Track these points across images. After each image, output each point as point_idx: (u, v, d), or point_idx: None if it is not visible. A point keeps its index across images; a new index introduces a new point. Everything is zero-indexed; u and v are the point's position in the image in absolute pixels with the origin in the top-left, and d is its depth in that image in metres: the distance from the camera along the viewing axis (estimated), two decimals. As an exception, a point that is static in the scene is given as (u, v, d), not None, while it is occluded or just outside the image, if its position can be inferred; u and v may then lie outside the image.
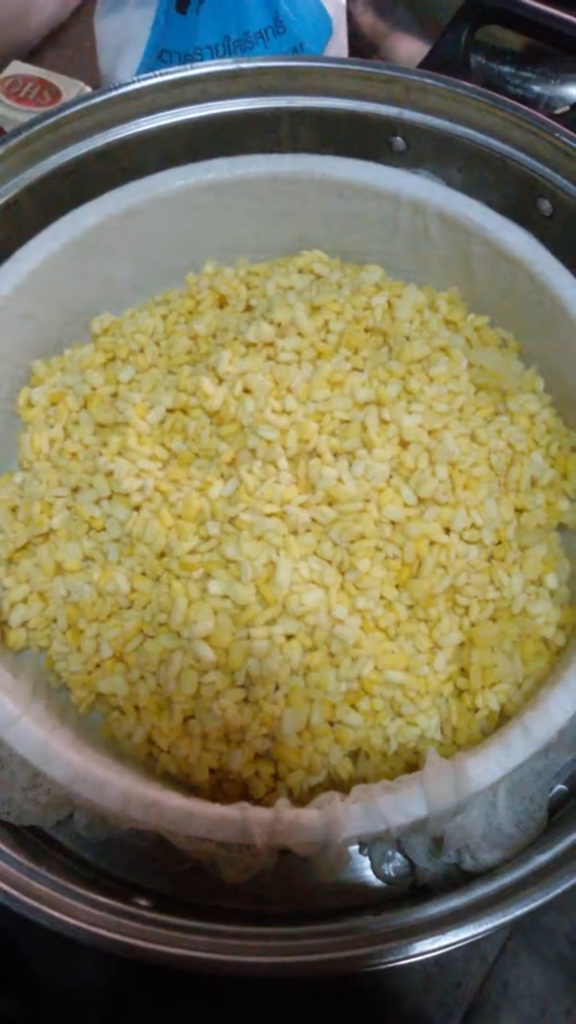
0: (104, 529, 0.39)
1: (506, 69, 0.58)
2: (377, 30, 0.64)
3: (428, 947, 0.28)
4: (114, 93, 0.44)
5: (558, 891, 0.30)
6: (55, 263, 0.44)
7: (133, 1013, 0.30)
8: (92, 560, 0.39)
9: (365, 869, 0.35)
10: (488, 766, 0.32)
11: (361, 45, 0.65)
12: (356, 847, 0.35)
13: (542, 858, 0.31)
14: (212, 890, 0.32)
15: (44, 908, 0.29)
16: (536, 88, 0.58)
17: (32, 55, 0.73)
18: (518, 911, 0.29)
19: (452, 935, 0.29)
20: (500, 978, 0.34)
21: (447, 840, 0.32)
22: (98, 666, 0.37)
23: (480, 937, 0.29)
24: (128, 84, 0.45)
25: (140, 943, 0.28)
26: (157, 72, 0.45)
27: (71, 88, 0.61)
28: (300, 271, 0.48)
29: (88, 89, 0.61)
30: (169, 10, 0.53)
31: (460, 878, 0.32)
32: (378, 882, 0.34)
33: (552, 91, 0.58)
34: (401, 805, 0.31)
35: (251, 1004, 0.33)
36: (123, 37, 0.55)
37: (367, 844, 0.35)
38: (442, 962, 0.34)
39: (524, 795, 0.34)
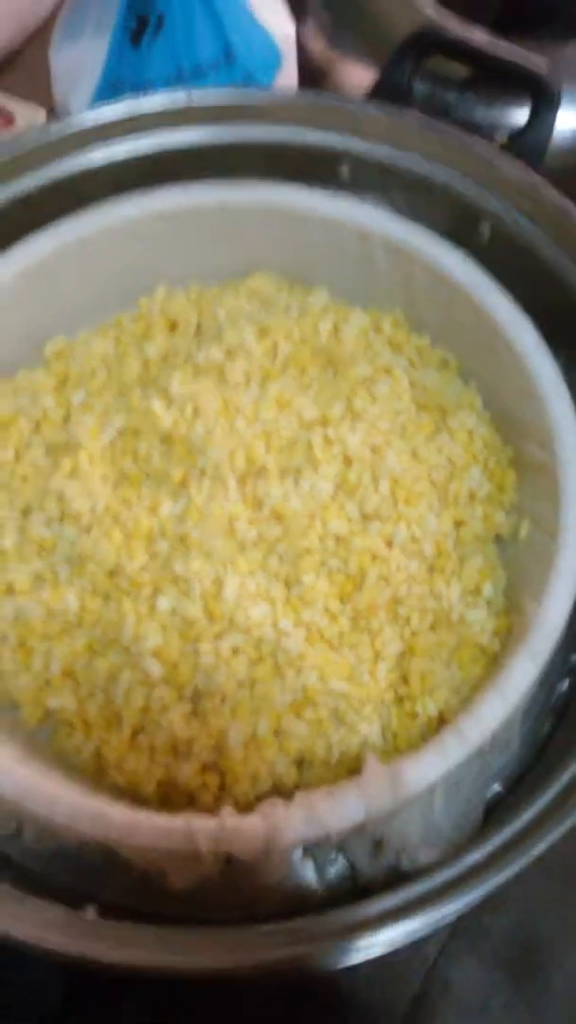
0: (55, 549, 0.40)
1: (451, 95, 0.61)
2: (327, 56, 0.66)
3: (363, 945, 0.30)
4: (63, 128, 0.46)
5: (489, 889, 0.31)
6: (9, 289, 0.45)
7: (76, 1016, 0.31)
8: (43, 580, 0.40)
9: (308, 872, 0.36)
10: (424, 770, 0.33)
11: (312, 69, 0.67)
12: (300, 852, 0.36)
13: (475, 857, 0.33)
14: (160, 897, 0.33)
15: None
16: (479, 114, 0.60)
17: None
18: (450, 909, 0.31)
19: (385, 935, 0.30)
20: (441, 977, 0.35)
21: (386, 842, 0.34)
22: (48, 683, 0.38)
23: (416, 937, 0.31)
24: (78, 118, 0.46)
25: (83, 951, 0.29)
26: (107, 103, 0.47)
27: (28, 113, 0.63)
28: (250, 295, 0.49)
29: (43, 112, 0.62)
30: (123, 43, 0.55)
31: (399, 879, 0.34)
32: (321, 885, 0.35)
33: (494, 117, 0.60)
34: (339, 810, 0.32)
35: (195, 1004, 0.34)
36: (77, 70, 0.56)
37: (310, 849, 0.36)
38: (385, 962, 0.36)
39: (461, 797, 0.35)
